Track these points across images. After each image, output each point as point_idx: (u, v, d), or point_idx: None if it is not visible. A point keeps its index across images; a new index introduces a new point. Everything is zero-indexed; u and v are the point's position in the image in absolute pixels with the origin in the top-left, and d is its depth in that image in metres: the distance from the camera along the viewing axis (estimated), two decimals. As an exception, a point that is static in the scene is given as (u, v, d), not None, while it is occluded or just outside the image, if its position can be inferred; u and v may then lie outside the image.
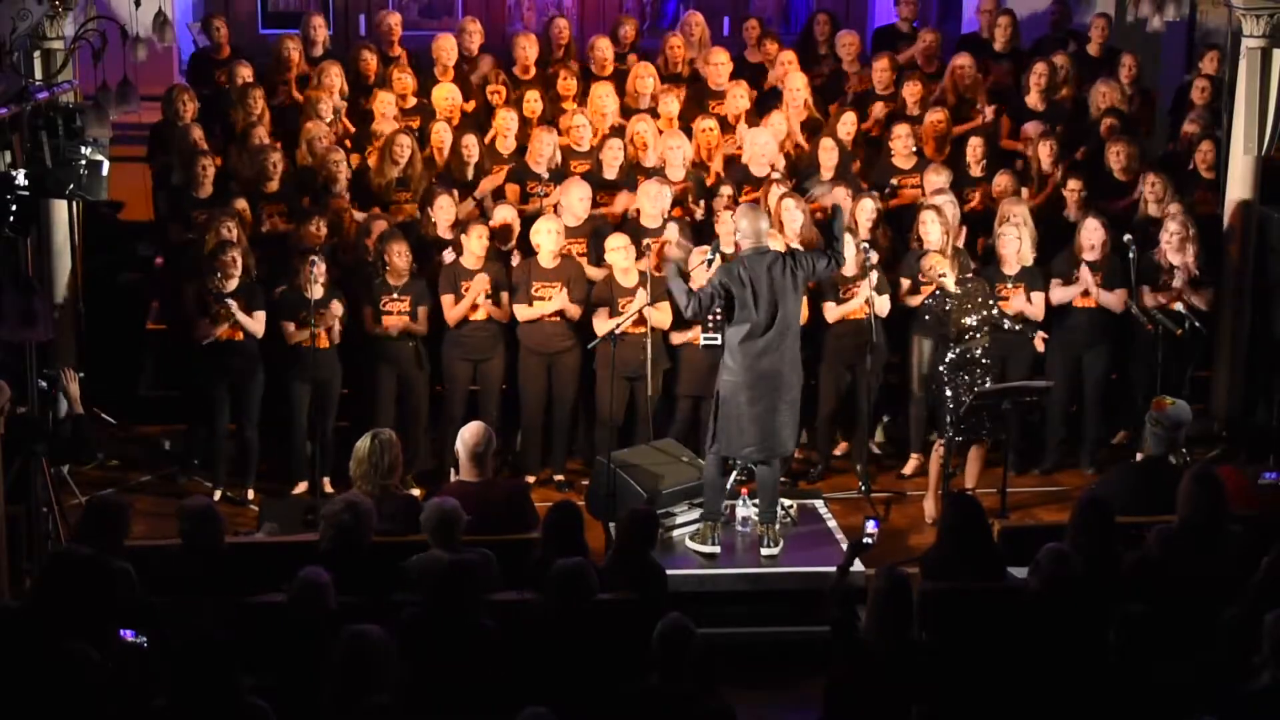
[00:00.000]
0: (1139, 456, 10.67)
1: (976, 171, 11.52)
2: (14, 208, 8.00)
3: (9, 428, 8.55)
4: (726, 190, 11.04)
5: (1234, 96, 11.31)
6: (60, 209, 10.81)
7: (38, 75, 10.08)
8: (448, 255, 10.52)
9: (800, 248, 10.10)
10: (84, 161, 8.37)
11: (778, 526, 9.24)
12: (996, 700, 7.05)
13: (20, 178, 8.03)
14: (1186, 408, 8.92)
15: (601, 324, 10.30)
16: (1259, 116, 11.10)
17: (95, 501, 8.13)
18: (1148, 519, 7.93)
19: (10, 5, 8.86)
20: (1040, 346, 10.36)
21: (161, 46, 12.07)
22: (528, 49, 12.51)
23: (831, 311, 10.53)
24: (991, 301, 10.12)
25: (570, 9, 14.86)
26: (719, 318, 9.32)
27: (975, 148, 11.53)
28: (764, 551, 9.14)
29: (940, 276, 10.04)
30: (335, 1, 14.49)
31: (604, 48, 12.55)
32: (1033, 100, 12.20)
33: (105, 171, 8.49)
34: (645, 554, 7.75)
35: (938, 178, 11.16)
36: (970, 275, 10.24)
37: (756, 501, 9.32)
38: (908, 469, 10.98)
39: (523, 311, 10.46)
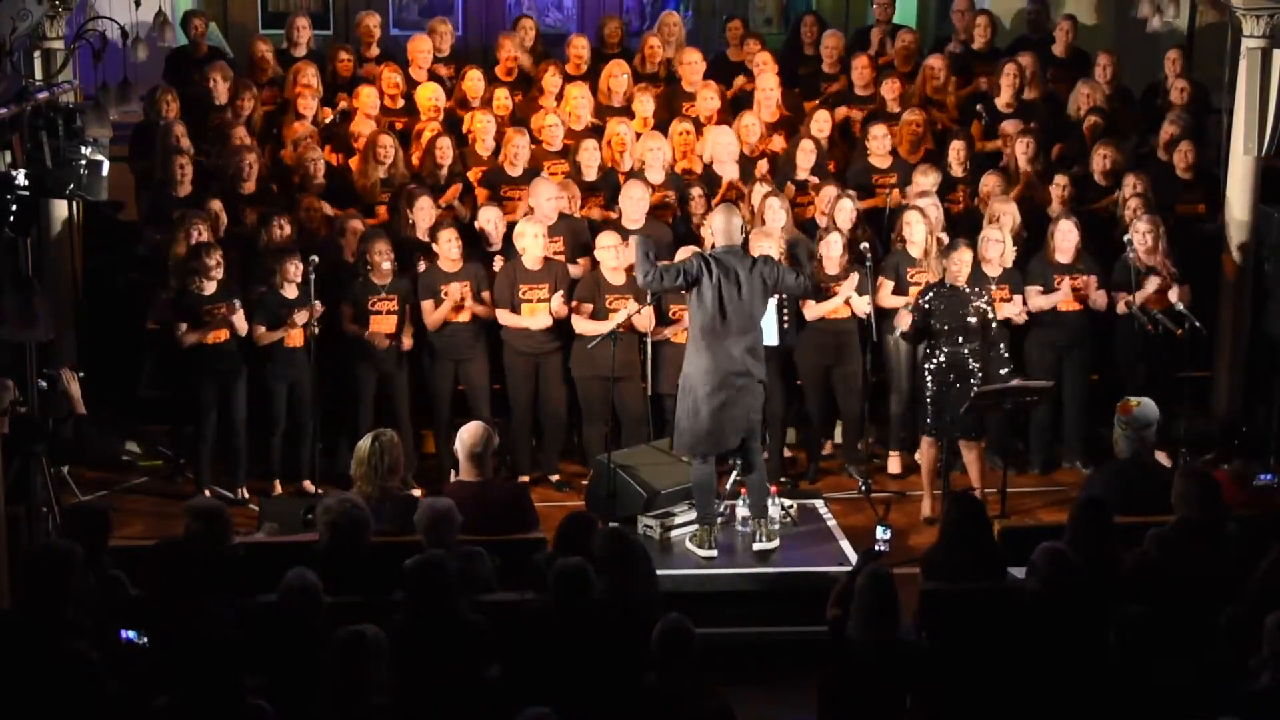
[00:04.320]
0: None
1: (959, 172, 11.51)
2: (14, 208, 7.99)
3: (10, 427, 8.57)
4: (698, 192, 11.04)
5: (1234, 96, 11.32)
6: (60, 209, 10.81)
7: (38, 75, 10.08)
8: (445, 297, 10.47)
9: (786, 241, 10.23)
10: (84, 161, 8.35)
11: (776, 526, 9.24)
12: (997, 701, 7.05)
13: (20, 178, 8.02)
14: (1153, 406, 8.87)
15: (581, 322, 10.30)
16: (1259, 116, 11.10)
17: (75, 508, 8.14)
18: (1139, 519, 7.94)
19: (10, 5, 8.85)
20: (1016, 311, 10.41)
21: (161, 46, 12.07)
22: (510, 50, 12.51)
23: (811, 309, 10.54)
24: (984, 303, 10.11)
25: (570, 8, 14.84)
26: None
27: (958, 150, 11.53)
28: (755, 546, 9.13)
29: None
30: (335, 2, 14.48)
31: (580, 47, 12.53)
32: (1004, 100, 12.19)
33: (105, 171, 8.48)
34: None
35: (925, 179, 11.17)
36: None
37: (756, 500, 9.34)
38: (894, 467, 11.01)
39: (507, 318, 10.47)
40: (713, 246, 9.36)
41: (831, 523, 9.67)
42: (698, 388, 8.97)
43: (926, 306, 10.02)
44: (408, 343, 10.51)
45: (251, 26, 14.45)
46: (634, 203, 10.69)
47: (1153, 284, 10.59)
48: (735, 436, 9.03)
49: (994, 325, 10.14)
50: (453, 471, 8.88)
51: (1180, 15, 13.10)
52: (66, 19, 10.45)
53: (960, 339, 10.03)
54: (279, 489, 10.58)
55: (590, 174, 11.28)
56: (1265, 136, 11.13)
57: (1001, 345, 10.26)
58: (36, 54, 10.37)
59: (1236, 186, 11.35)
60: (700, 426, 8.98)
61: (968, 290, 10.08)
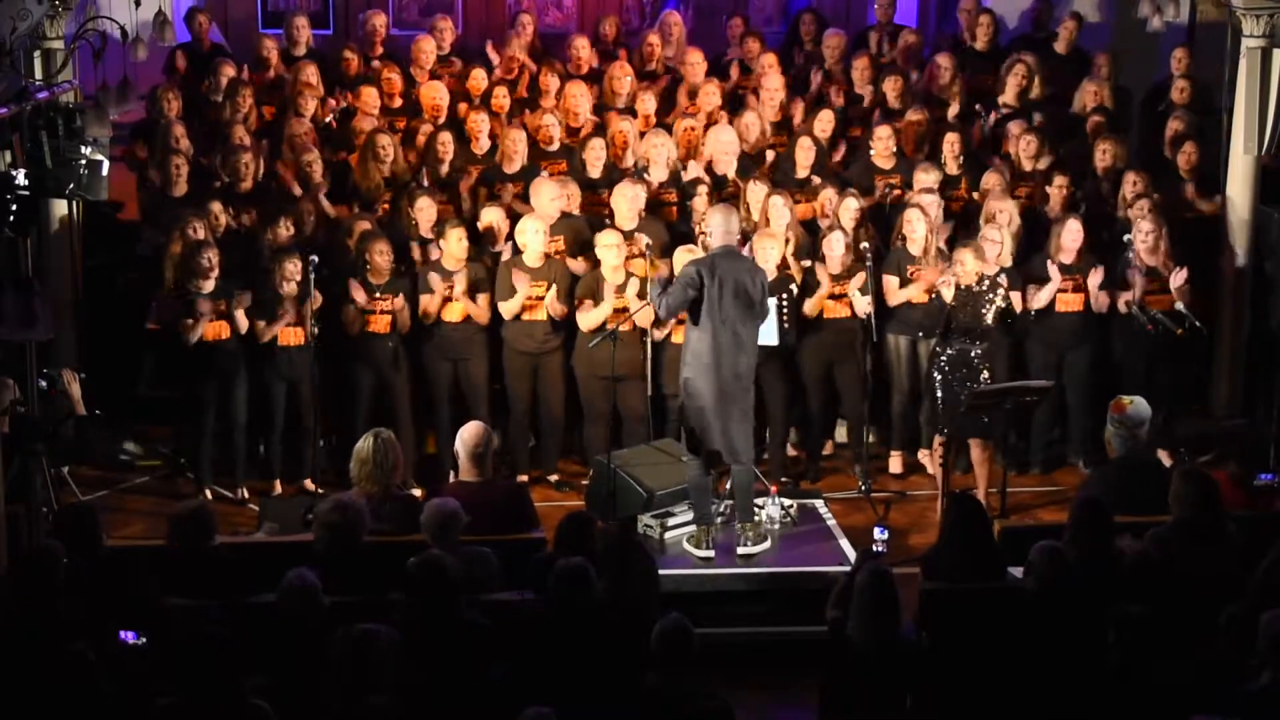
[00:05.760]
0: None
1: (953, 169, 11.47)
2: (14, 208, 8.00)
3: (10, 427, 8.57)
4: (704, 189, 11.04)
5: (1234, 96, 11.32)
6: (60, 209, 10.82)
7: (38, 75, 10.09)
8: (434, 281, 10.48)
9: (790, 239, 10.36)
10: (84, 161, 8.35)
11: (776, 526, 9.23)
12: (997, 701, 7.06)
13: (20, 178, 8.02)
14: (1145, 405, 8.87)
15: (585, 318, 10.31)
16: (1259, 116, 11.10)
17: (63, 508, 8.16)
18: (1140, 519, 7.93)
19: (10, 5, 8.84)
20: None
21: (162, 46, 12.06)
22: (512, 48, 12.50)
23: (808, 305, 10.54)
24: (992, 300, 10.12)
25: (570, 7, 14.84)
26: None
27: (952, 144, 11.49)
28: (740, 550, 9.11)
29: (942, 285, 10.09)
30: (336, 1, 14.48)
31: (582, 46, 12.55)
32: (1008, 98, 12.17)
33: (105, 171, 8.48)
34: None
35: (926, 176, 11.15)
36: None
37: (758, 502, 9.32)
38: (895, 466, 11.00)
39: (506, 307, 10.44)
40: (707, 246, 9.36)
41: (831, 522, 9.67)
42: (703, 396, 8.97)
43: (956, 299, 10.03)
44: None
45: (251, 25, 14.44)
46: (627, 201, 10.69)
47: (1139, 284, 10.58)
48: (740, 446, 9.04)
49: (1011, 320, 10.19)
50: (452, 471, 8.88)
51: (1180, 15, 13.09)
52: (67, 19, 10.45)
53: (971, 338, 10.05)
54: (279, 489, 10.58)
55: (595, 171, 11.28)
56: (1265, 136, 11.13)
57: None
58: (36, 54, 10.38)
59: (1236, 186, 11.36)
60: (713, 431, 8.98)
61: (982, 289, 10.09)
